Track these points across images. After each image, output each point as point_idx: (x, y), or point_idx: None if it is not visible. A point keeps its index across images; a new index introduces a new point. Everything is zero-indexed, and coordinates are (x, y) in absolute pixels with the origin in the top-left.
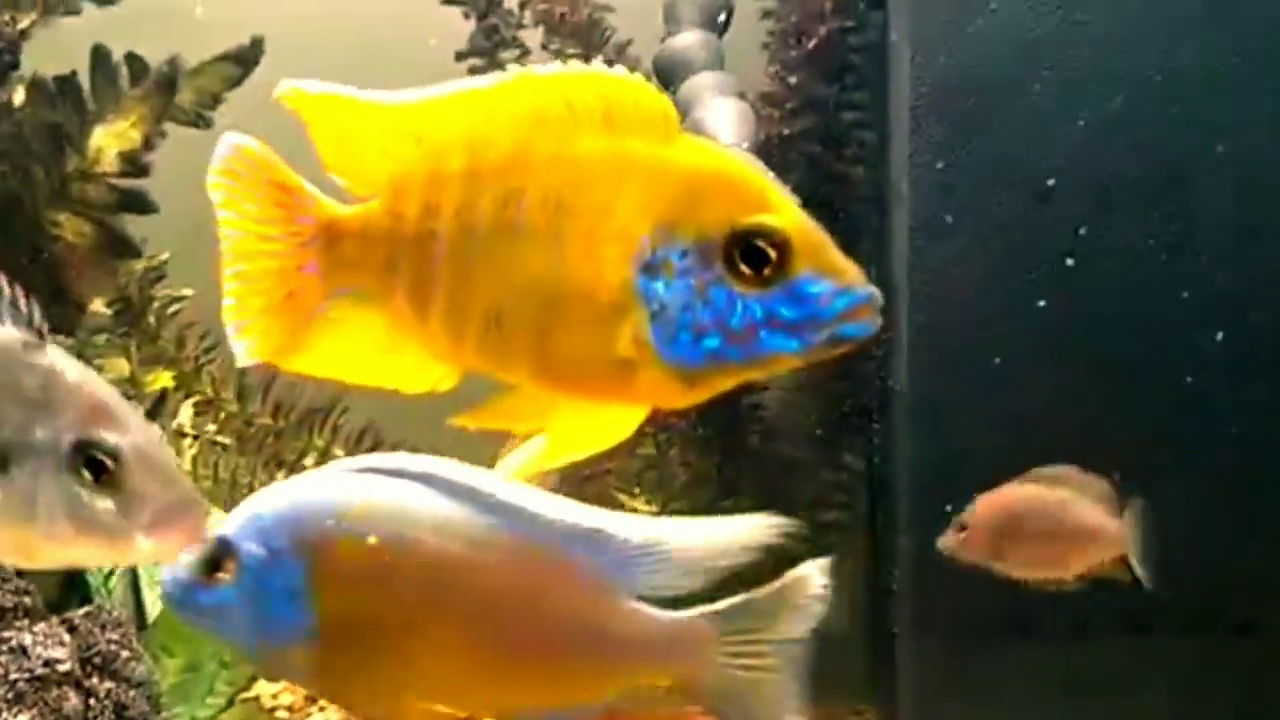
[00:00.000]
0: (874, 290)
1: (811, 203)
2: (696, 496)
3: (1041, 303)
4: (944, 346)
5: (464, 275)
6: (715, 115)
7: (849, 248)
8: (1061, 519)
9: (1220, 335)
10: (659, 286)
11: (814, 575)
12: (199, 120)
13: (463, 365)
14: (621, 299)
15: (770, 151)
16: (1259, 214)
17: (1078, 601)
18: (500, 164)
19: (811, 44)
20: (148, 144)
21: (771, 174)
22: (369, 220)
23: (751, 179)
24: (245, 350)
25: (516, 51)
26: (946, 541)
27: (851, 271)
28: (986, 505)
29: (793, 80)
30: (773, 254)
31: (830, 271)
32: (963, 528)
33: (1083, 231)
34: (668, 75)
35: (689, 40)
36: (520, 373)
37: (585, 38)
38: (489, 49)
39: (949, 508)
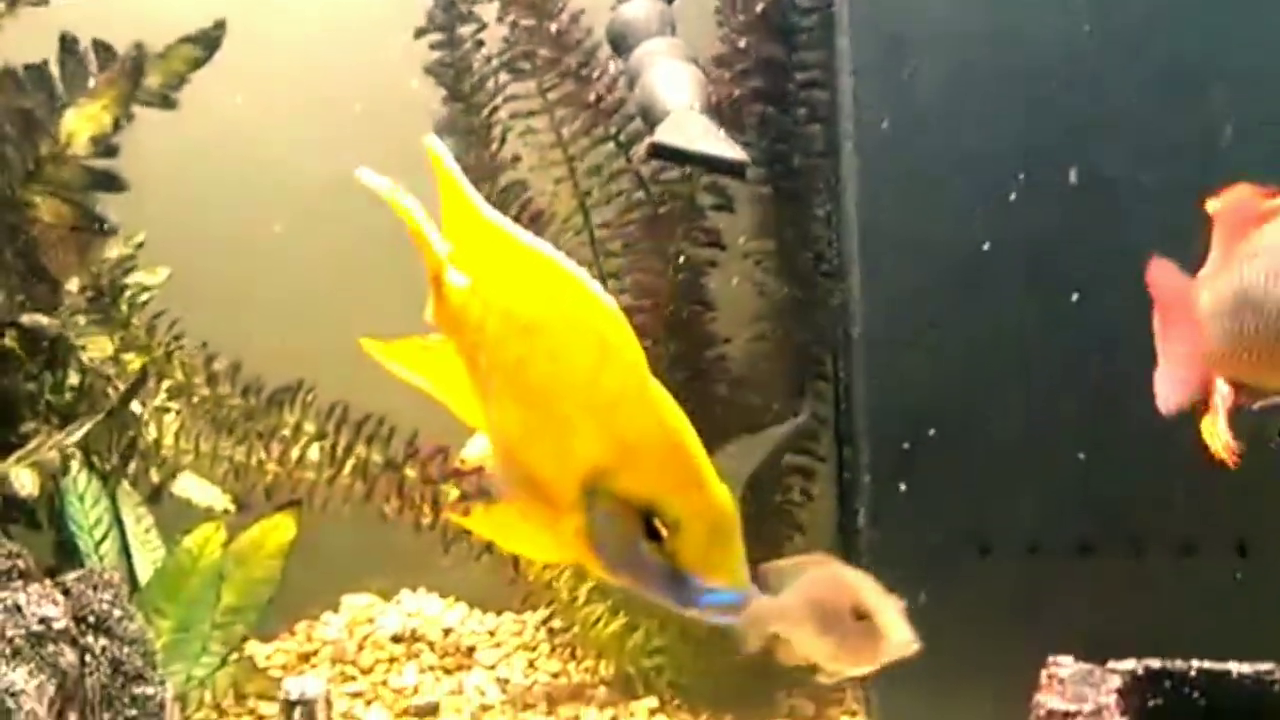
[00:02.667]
0: (742, 594)
1: (766, 160)
2: None
3: (986, 245)
4: (896, 292)
5: (487, 393)
6: (666, 79)
7: (803, 200)
8: None
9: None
10: (597, 510)
11: None
12: (164, 101)
13: None
14: (572, 501)
15: (722, 113)
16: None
17: (1029, 527)
18: (520, 327)
19: (759, 7)
20: (116, 126)
21: (723, 131)
22: (454, 302)
23: (686, 457)
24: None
25: (474, 26)
26: None
27: (729, 573)
28: None
29: (742, 43)
30: (664, 534)
31: (708, 569)
32: None
33: (1022, 176)
34: (619, 42)
35: (639, 8)
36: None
37: (540, 9)
38: (448, 23)
39: (905, 445)
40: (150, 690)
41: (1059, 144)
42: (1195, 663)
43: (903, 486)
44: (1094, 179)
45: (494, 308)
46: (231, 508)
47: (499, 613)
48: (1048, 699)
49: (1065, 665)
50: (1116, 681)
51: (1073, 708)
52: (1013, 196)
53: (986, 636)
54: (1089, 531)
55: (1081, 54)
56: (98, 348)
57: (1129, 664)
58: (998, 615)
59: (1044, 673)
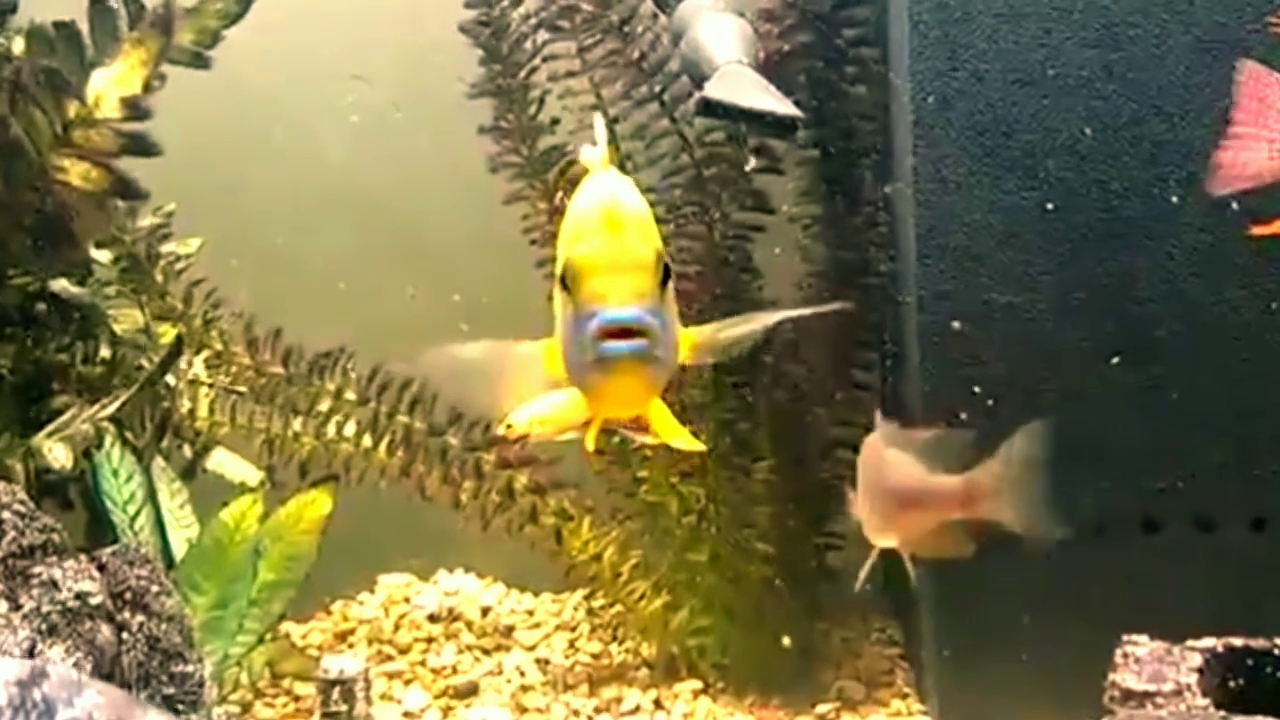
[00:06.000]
0: (628, 312)
1: (814, 121)
2: (712, 416)
3: (1050, 205)
4: (950, 257)
5: None
6: (713, 33)
7: (852, 163)
8: None
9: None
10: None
11: None
12: (198, 60)
13: None
14: None
15: (770, 68)
16: None
17: (1094, 506)
18: None
19: None
20: (147, 88)
21: (772, 87)
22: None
23: (582, 224)
24: None
25: None
26: None
27: (615, 298)
28: None
29: None
30: (569, 284)
31: (592, 299)
32: None
33: (1088, 131)
34: None
35: None
36: None
37: None
38: None
39: (962, 415)
40: (189, 668)
41: (1127, 103)
42: (1279, 640)
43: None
44: (1165, 140)
45: None
46: (267, 481)
47: (537, 593)
48: (1124, 678)
49: (1141, 644)
50: (1196, 660)
51: (1151, 687)
52: (1080, 156)
53: (1048, 616)
54: (1155, 508)
55: (1149, 9)
56: (129, 320)
57: (1208, 642)
58: (1062, 595)
59: (1118, 651)
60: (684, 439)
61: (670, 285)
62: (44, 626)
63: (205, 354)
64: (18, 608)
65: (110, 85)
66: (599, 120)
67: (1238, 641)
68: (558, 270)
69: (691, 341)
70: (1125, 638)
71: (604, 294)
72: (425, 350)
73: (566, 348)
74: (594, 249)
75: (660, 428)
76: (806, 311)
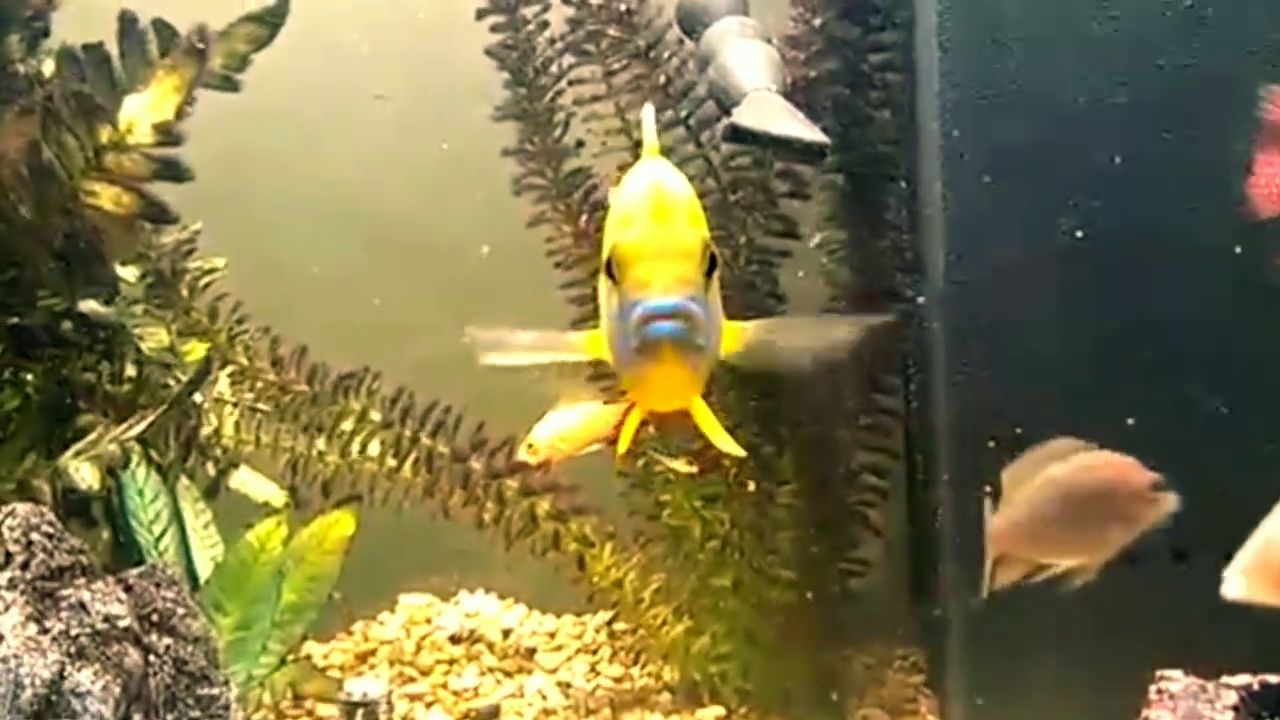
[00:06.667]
0: (669, 300)
1: (840, 147)
2: (735, 438)
3: (1080, 233)
4: (978, 284)
5: None
6: (741, 59)
7: (877, 188)
8: None
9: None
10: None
11: None
12: (227, 84)
13: None
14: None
15: (796, 95)
16: None
17: None
18: None
19: None
20: (180, 113)
21: (801, 114)
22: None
23: (629, 210)
24: None
25: (538, 6)
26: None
27: (658, 286)
28: None
29: (817, 22)
30: (615, 275)
31: (635, 287)
32: None
33: (1119, 159)
34: (690, 21)
35: None
36: None
37: None
38: (511, 3)
39: (991, 443)
40: (215, 691)
41: (1158, 131)
42: None
43: (988, 488)
44: (1197, 169)
45: None
46: (290, 501)
47: (558, 614)
48: (1159, 715)
49: (1176, 679)
50: (1232, 697)
51: None
52: (1111, 185)
53: (1076, 644)
54: (1186, 539)
55: (1178, 27)
56: (155, 338)
57: (1244, 678)
58: (1092, 623)
59: (1152, 687)
60: (726, 441)
61: (716, 275)
62: (73, 649)
63: (230, 370)
64: (46, 630)
65: (143, 111)
66: (649, 109)
67: (1273, 678)
68: (603, 258)
69: (736, 335)
70: (1159, 673)
71: (649, 281)
72: (474, 332)
73: (611, 338)
74: (639, 235)
75: (703, 425)
76: (874, 320)
